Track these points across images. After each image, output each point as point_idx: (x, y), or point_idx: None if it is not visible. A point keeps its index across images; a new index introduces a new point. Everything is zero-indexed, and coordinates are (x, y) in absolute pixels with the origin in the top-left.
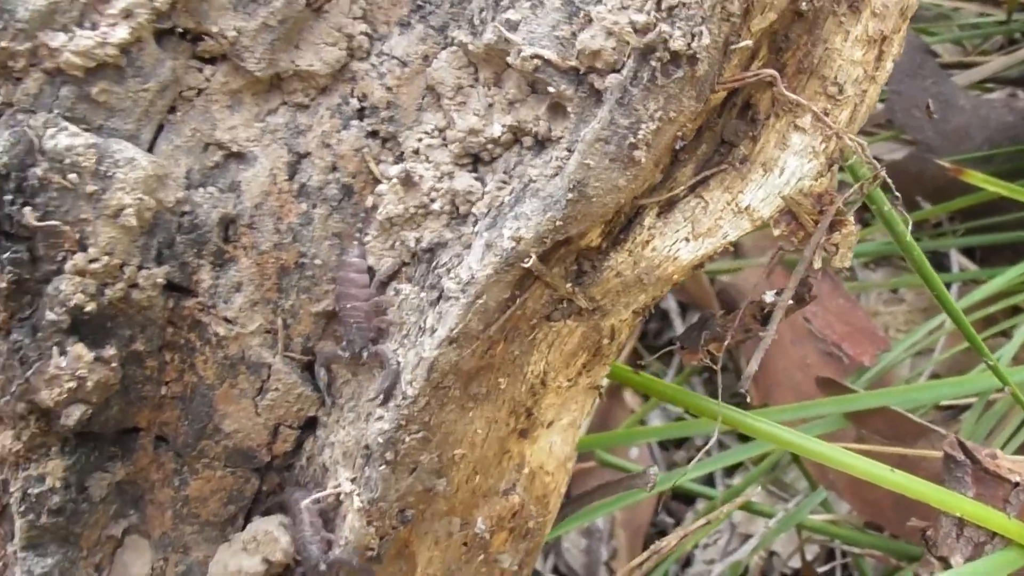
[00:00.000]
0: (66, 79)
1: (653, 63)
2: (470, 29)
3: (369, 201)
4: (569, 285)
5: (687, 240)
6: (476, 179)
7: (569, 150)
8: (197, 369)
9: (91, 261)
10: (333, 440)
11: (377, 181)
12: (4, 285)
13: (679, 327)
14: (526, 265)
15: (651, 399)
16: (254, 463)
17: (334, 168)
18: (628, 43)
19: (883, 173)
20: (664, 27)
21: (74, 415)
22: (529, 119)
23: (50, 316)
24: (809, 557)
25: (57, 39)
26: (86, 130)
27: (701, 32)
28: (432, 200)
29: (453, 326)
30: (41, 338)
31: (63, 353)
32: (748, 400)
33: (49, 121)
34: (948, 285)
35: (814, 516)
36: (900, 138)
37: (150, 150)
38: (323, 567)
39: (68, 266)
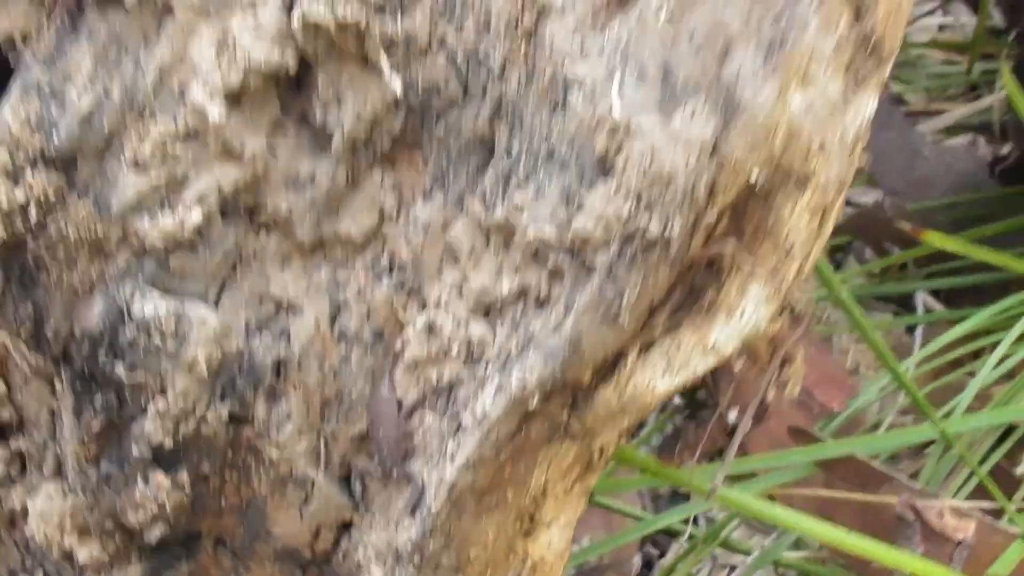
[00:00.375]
0: (150, 254)
1: (634, 246)
2: (483, 204)
3: (398, 344)
4: (565, 415)
5: (663, 374)
6: (488, 327)
7: (566, 309)
8: (252, 485)
9: (169, 405)
10: (366, 541)
11: (404, 326)
12: (96, 426)
13: None
14: (531, 407)
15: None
16: (299, 559)
17: (368, 316)
18: (614, 229)
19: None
20: (643, 219)
21: (155, 532)
22: (532, 283)
23: (135, 453)
24: None
25: (143, 224)
26: (165, 295)
27: (673, 222)
28: (451, 345)
29: (470, 454)
30: (128, 470)
31: (146, 481)
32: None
33: (136, 290)
34: (914, 326)
35: (790, 553)
36: (874, 182)
37: (216, 305)
38: None
39: (150, 410)
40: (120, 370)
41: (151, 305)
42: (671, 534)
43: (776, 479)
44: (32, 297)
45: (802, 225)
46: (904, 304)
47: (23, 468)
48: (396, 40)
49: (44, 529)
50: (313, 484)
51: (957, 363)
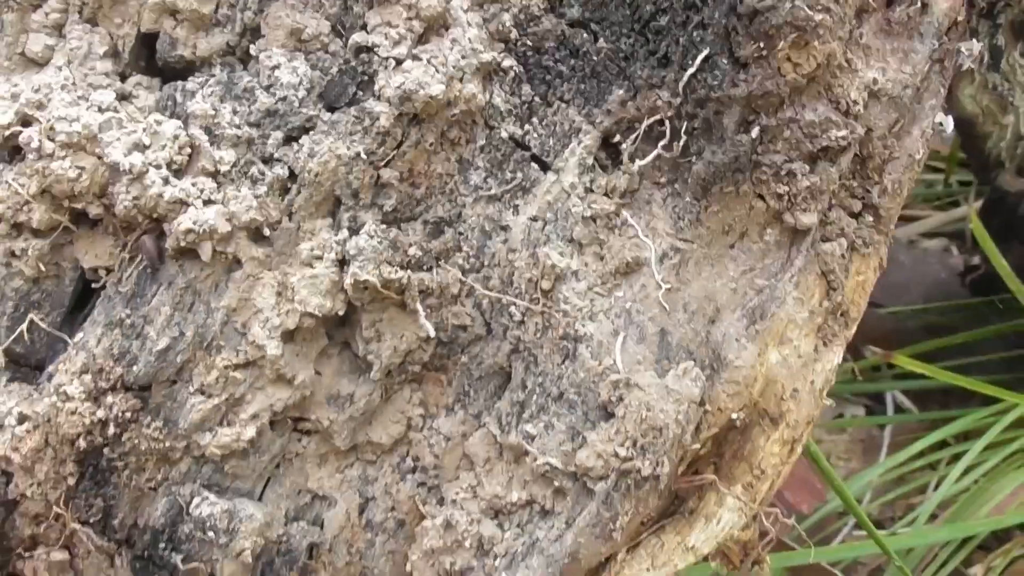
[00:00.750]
0: (208, 461)
1: (629, 480)
2: (498, 425)
3: (417, 532)
4: None
5: (647, 570)
6: (498, 526)
7: (567, 524)
8: None
9: None
10: None
11: (423, 517)
12: None
13: None
14: None
15: None
16: None
17: (392, 508)
18: (612, 465)
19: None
20: (637, 461)
21: None
22: (538, 496)
23: None
24: None
25: (205, 438)
26: (220, 494)
27: (663, 462)
28: (464, 538)
29: None
30: None
31: None
32: None
33: (194, 491)
34: (884, 425)
35: None
36: None
37: (260, 498)
38: None
39: None
40: (176, 559)
41: (208, 505)
42: None
43: None
44: (103, 492)
45: (774, 452)
46: (877, 398)
47: None
48: (431, 290)
49: None
50: None
51: (934, 464)
